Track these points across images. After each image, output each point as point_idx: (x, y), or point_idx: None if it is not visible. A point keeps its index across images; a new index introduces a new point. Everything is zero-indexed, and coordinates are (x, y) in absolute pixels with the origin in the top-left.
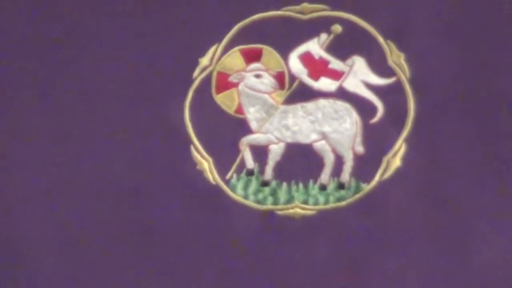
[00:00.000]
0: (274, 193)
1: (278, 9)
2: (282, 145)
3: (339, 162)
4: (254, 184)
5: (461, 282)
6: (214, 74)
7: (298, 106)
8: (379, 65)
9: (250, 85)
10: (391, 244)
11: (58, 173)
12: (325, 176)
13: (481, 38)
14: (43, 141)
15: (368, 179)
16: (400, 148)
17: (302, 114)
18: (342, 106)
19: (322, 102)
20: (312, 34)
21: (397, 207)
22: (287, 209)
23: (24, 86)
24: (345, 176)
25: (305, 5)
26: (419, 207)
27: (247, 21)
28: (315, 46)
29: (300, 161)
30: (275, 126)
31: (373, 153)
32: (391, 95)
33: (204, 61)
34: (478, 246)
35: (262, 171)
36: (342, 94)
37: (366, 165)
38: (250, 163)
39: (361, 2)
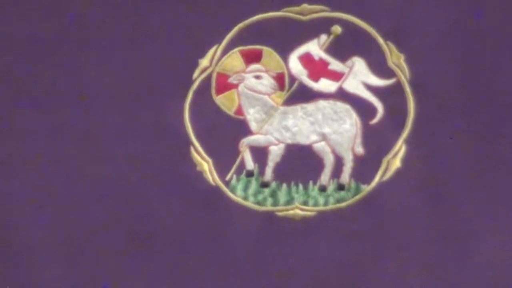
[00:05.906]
0: (274, 194)
1: (278, 10)
2: (282, 146)
3: (339, 163)
4: (254, 185)
5: (460, 281)
6: (214, 75)
7: (298, 107)
8: (379, 66)
9: (250, 86)
10: (391, 245)
11: (57, 173)
12: (325, 177)
13: (480, 39)
14: (43, 141)
15: (368, 180)
16: (400, 149)
17: (302, 115)
18: (342, 107)
19: (322, 103)
20: (312, 35)
21: (397, 208)
22: (287, 210)
23: (24, 86)
24: (345, 177)
25: (305, 6)
26: (419, 207)
27: (247, 22)
28: (315, 47)
29: (300, 162)
30: (275, 127)
31: (373, 154)
32: (391, 96)
33: (204, 62)
34: (478, 246)
35: (262, 172)
36: (342, 95)
37: (366, 166)
38: (250, 164)
39: (361, 3)
